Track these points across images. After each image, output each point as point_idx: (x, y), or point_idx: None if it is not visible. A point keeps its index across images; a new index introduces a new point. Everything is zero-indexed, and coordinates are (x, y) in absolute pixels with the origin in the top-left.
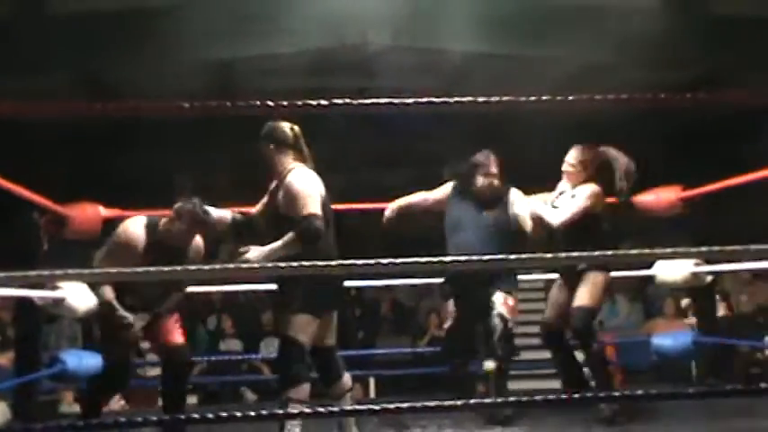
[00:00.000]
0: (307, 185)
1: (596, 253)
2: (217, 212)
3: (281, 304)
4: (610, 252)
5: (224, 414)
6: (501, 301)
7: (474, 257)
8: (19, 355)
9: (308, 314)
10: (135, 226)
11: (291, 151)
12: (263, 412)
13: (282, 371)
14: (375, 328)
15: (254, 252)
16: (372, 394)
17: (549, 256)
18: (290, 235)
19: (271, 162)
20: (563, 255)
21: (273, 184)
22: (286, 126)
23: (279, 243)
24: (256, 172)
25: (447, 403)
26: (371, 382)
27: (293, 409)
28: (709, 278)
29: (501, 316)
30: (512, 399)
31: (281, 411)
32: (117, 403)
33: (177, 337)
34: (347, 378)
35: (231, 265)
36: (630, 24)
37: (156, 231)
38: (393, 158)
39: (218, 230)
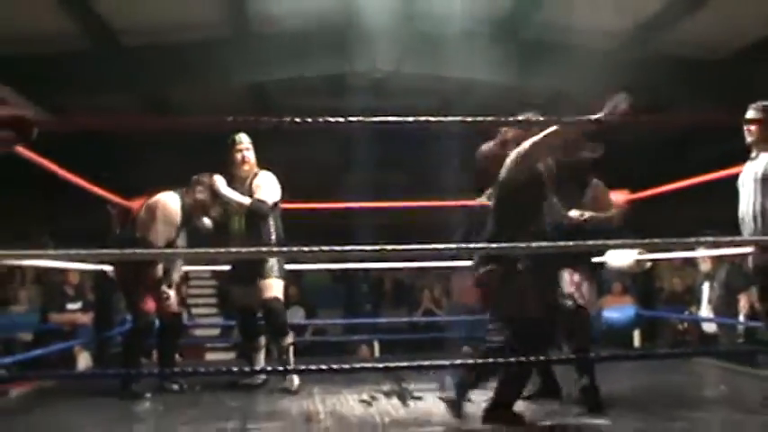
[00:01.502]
0: (275, 184)
1: (561, 243)
2: (232, 192)
3: (260, 275)
4: (572, 243)
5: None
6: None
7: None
8: (97, 316)
9: (283, 279)
10: (173, 202)
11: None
12: (289, 367)
13: (275, 326)
14: (379, 300)
15: (221, 183)
16: (377, 353)
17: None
18: (246, 200)
19: (245, 164)
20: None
21: (248, 180)
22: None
23: (238, 196)
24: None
25: (437, 363)
26: (376, 344)
27: (291, 352)
28: (649, 264)
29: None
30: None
31: (298, 366)
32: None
33: (177, 307)
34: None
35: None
36: (593, 60)
37: (184, 203)
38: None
39: (230, 205)
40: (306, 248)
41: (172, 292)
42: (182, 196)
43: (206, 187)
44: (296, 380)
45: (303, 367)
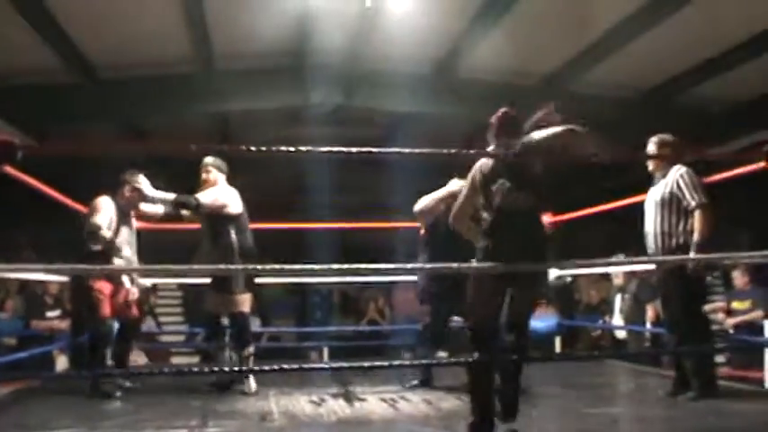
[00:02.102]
0: (221, 193)
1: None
2: (157, 192)
3: (226, 289)
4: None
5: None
6: None
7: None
8: (73, 323)
9: (248, 293)
10: (105, 201)
11: (223, 175)
12: (285, 366)
13: (240, 338)
14: (329, 310)
15: (145, 184)
16: (326, 358)
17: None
18: (171, 196)
19: (207, 183)
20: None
21: None
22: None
23: (161, 193)
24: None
25: (377, 364)
26: (325, 349)
27: (251, 361)
28: (569, 279)
29: None
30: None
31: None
32: (143, 358)
33: (136, 311)
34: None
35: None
36: (514, 97)
37: (116, 202)
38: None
39: (157, 202)
40: (260, 267)
41: (134, 288)
42: (113, 197)
43: (130, 186)
44: (253, 384)
45: (258, 368)
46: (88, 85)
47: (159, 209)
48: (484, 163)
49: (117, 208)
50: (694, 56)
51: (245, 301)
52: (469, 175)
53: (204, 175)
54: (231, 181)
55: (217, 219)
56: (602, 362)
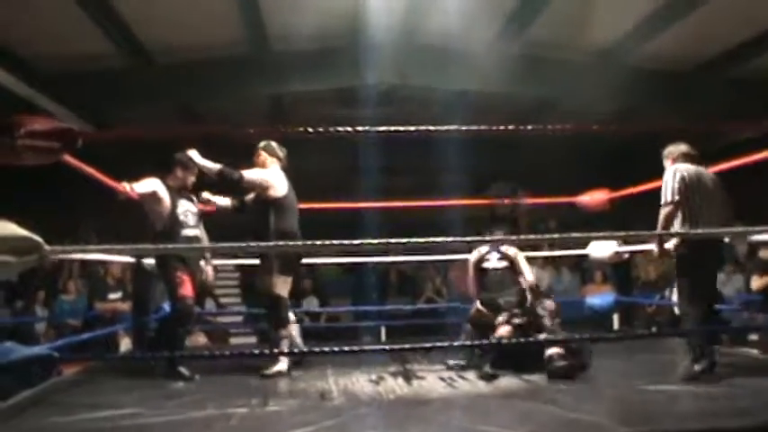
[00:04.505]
0: (264, 174)
1: (553, 235)
2: (206, 161)
3: (265, 270)
4: (556, 235)
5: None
6: None
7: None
8: (135, 304)
9: (285, 275)
10: (158, 186)
11: (276, 160)
12: (305, 350)
13: (274, 318)
14: (385, 290)
15: (195, 154)
16: (383, 337)
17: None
18: (217, 166)
19: (257, 163)
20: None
21: None
22: (275, 144)
23: (209, 163)
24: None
25: (438, 344)
26: (383, 329)
27: (284, 344)
28: (626, 255)
29: None
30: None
31: (316, 350)
32: (203, 338)
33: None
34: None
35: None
36: (571, 72)
37: (167, 185)
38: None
39: (207, 174)
40: (318, 242)
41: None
42: (162, 179)
43: (184, 161)
44: (279, 366)
45: (317, 350)
46: (143, 70)
47: (228, 202)
48: None
49: (169, 189)
50: (751, 28)
51: (281, 285)
52: None
53: (254, 158)
54: (287, 166)
55: (259, 201)
56: (660, 339)
